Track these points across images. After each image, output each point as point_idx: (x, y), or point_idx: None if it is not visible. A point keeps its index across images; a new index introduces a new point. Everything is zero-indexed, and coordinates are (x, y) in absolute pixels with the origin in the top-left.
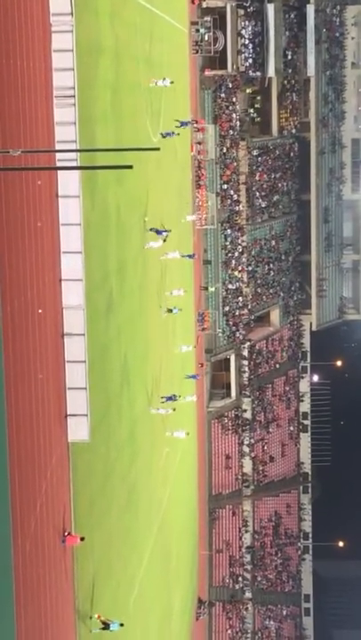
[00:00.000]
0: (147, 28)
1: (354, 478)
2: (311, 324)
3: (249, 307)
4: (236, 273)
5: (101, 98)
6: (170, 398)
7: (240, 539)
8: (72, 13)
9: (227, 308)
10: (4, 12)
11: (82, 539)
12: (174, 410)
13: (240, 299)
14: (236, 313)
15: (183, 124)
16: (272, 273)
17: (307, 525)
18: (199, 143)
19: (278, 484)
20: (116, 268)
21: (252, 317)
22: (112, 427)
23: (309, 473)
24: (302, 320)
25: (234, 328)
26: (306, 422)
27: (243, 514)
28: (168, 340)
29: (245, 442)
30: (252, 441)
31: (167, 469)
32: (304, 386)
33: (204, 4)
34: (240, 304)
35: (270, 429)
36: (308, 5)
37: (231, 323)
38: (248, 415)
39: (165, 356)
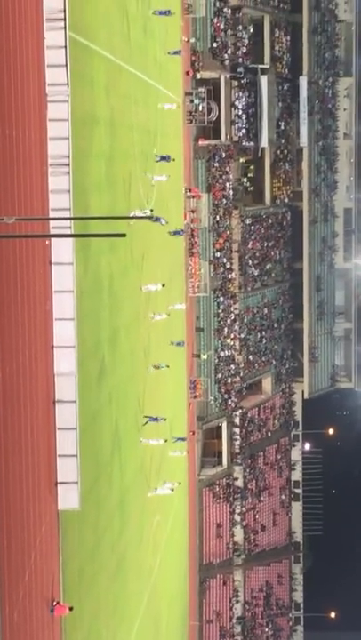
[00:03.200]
0: (142, 99)
1: (346, 548)
2: (303, 392)
3: (241, 374)
4: (228, 340)
5: (96, 167)
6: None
7: (231, 609)
8: (68, 84)
9: (219, 376)
10: (1, 82)
11: (70, 608)
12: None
13: (232, 366)
14: (228, 380)
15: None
16: (264, 341)
17: (298, 596)
18: (192, 211)
19: (270, 554)
20: (108, 334)
21: (244, 385)
22: (102, 494)
23: (301, 542)
24: (294, 388)
25: (226, 396)
26: (298, 491)
27: (234, 583)
28: (160, 403)
29: (237, 510)
30: (244, 509)
31: (158, 538)
32: (296, 454)
33: (199, 76)
34: (232, 372)
35: (262, 498)
36: (300, 77)
37: (223, 390)
38: (240, 483)
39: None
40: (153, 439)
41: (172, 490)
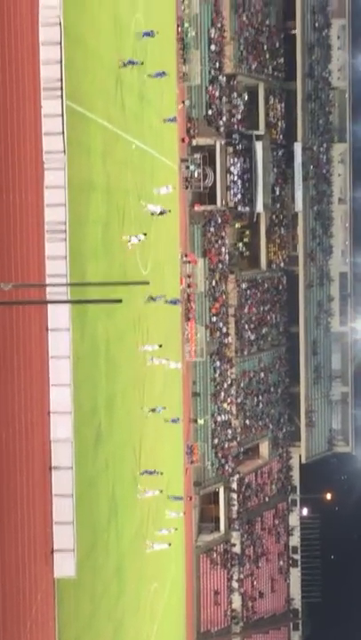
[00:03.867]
0: (138, 165)
1: (345, 615)
2: (301, 456)
3: (238, 439)
4: (225, 405)
5: (92, 233)
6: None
7: None
8: (64, 151)
9: (216, 441)
10: None
11: None
12: (170, 545)
13: (229, 431)
14: (225, 445)
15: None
16: (261, 405)
17: None
18: (189, 276)
19: (268, 621)
20: (105, 400)
21: (242, 450)
22: (99, 562)
23: (300, 609)
24: (291, 452)
25: (223, 461)
26: (296, 557)
27: None
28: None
29: (235, 577)
30: (242, 576)
31: (155, 605)
32: (294, 519)
33: (194, 142)
34: (229, 436)
35: (260, 564)
36: (295, 143)
37: (220, 455)
38: (237, 549)
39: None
40: (149, 491)
41: (170, 544)
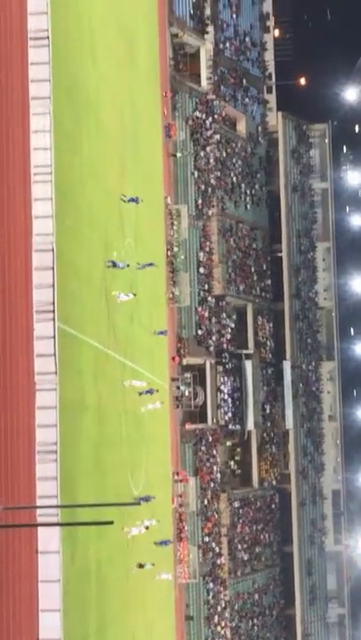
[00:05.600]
0: (129, 392)
1: None
2: None
3: None
4: (218, 629)
5: (84, 453)
6: None
7: None
8: (56, 372)
9: None
10: None
11: None
12: None
13: None
14: None
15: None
16: (256, 628)
17: None
18: (180, 496)
19: None
20: (96, 626)
21: None
22: None
23: None
24: None
25: None
26: None
27: None
28: None
29: None
30: None
31: None
32: None
33: (185, 362)
34: None
35: None
36: (284, 362)
37: None
38: None
39: None
40: None
41: None
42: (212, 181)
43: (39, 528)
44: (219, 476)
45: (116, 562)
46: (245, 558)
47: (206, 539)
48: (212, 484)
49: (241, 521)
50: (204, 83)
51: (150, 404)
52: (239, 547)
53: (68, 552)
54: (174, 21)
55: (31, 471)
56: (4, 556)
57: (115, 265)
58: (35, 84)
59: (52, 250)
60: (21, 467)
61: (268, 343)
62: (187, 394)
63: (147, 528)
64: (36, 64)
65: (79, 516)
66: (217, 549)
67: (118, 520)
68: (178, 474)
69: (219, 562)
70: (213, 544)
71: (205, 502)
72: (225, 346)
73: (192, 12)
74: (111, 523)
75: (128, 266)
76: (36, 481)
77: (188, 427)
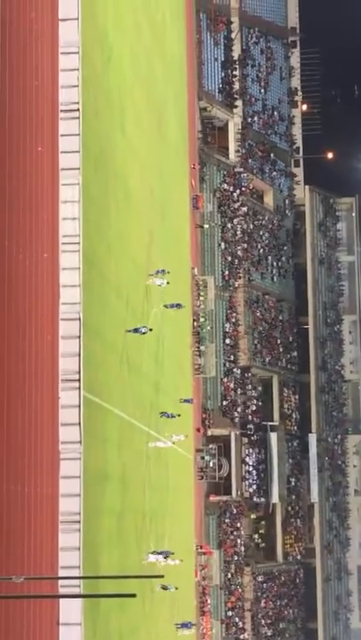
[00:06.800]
0: (153, 453)
1: None
2: None
3: None
4: None
5: (107, 524)
6: None
7: None
8: (80, 442)
9: None
10: (15, 418)
11: None
12: None
13: None
14: None
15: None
16: None
17: None
18: (203, 568)
19: None
20: None
21: None
22: None
23: None
24: None
25: None
26: None
27: None
28: None
29: None
30: None
31: None
32: None
33: (210, 432)
34: None
35: None
36: (310, 434)
37: None
38: None
39: None
40: None
41: None
42: (239, 253)
43: (61, 599)
44: (243, 549)
45: (139, 635)
46: (269, 634)
47: (230, 613)
48: (235, 558)
49: (265, 595)
50: (232, 155)
51: (175, 436)
52: (263, 622)
53: (89, 624)
54: (203, 95)
55: (54, 541)
56: (25, 627)
57: (136, 330)
58: (64, 155)
59: (79, 319)
60: (44, 536)
61: (294, 415)
62: (211, 465)
63: (164, 588)
64: (66, 135)
65: (101, 587)
66: (240, 624)
67: (141, 592)
68: (201, 547)
69: (242, 637)
70: (237, 619)
71: (229, 576)
72: (250, 417)
73: (221, 86)
74: (134, 595)
75: (151, 330)
76: (58, 551)
77: (213, 498)
